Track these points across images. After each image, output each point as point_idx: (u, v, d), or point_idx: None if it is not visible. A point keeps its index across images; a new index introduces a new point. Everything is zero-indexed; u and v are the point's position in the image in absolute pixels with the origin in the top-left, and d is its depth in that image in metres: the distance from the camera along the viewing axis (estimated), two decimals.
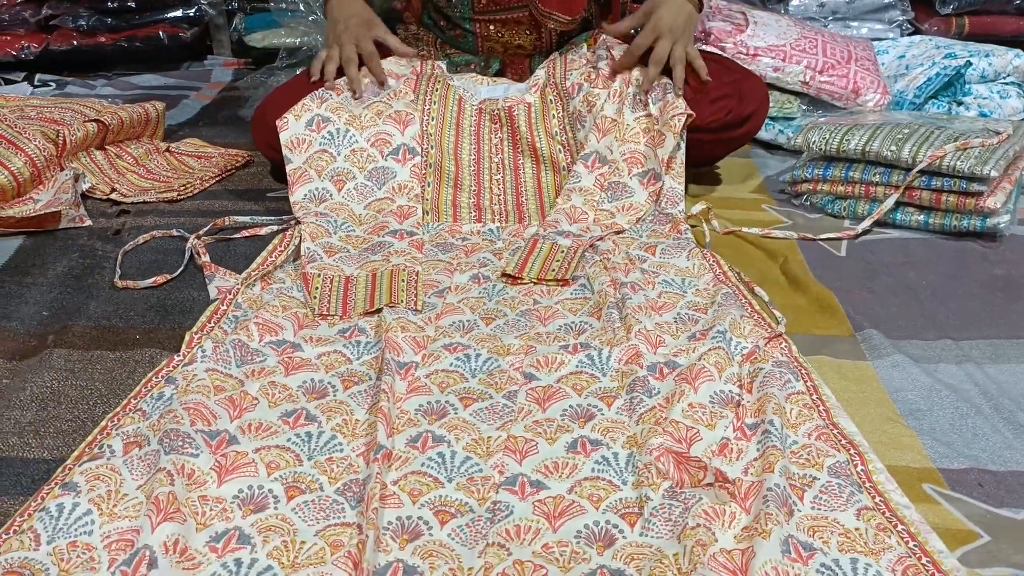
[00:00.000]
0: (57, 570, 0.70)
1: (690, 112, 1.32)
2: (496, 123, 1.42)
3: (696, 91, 1.37)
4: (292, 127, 1.33)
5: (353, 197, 1.30)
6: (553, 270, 1.17)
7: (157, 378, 0.94)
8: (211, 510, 0.77)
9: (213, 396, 0.90)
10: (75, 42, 2.13)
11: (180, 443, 0.81)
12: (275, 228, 1.31)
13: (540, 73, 1.46)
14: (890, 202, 1.31)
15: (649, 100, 1.37)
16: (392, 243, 1.23)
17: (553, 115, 1.43)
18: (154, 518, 0.73)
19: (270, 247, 1.24)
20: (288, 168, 1.32)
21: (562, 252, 1.21)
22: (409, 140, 1.34)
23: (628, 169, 1.34)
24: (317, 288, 1.12)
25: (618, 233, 1.28)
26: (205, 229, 1.28)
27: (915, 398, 0.95)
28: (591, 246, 1.23)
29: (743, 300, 1.10)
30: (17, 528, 0.74)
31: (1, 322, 1.09)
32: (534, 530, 0.75)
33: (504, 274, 1.18)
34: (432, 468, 0.83)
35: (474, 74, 1.48)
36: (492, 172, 1.39)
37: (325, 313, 1.08)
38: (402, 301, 1.08)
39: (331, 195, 1.30)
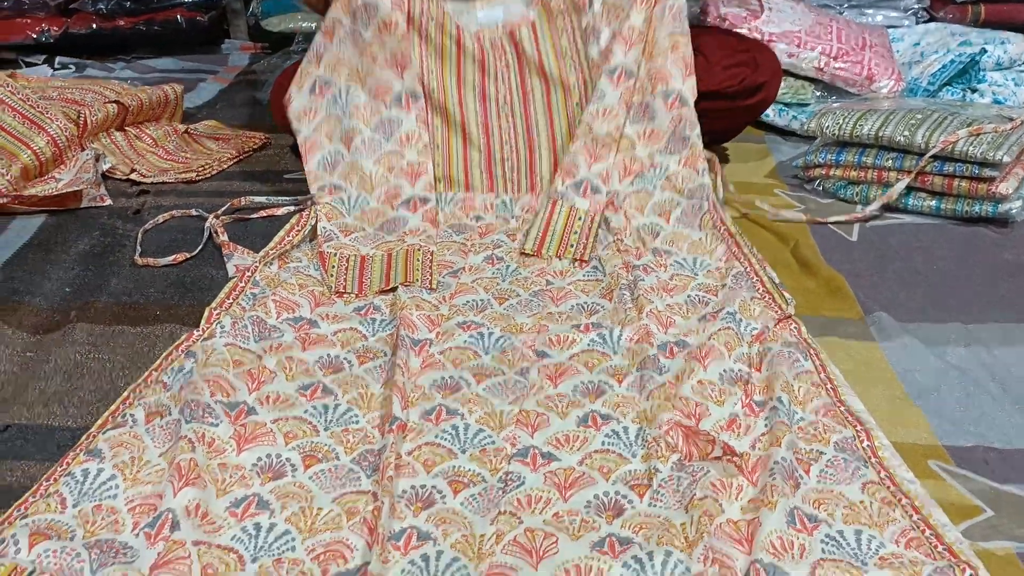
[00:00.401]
0: (83, 532, 0.72)
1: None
2: (499, 52, 1.33)
3: (711, 63, 1.37)
4: (296, 98, 1.32)
5: (362, 153, 1.28)
6: (571, 246, 1.19)
7: (177, 352, 0.96)
8: (230, 477, 0.79)
9: (232, 369, 0.92)
10: (94, 25, 2.15)
11: (200, 413, 0.84)
12: (292, 208, 1.33)
13: None
14: (901, 186, 1.32)
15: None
16: (407, 219, 1.24)
17: (562, 29, 1.34)
18: (176, 483, 0.75)
19: (287, 227, 1.26)
20: (299, 139, 1.32)
21: (579, 221, 1.21)
22: (410, 84, 1.30)
23: (653, 86, 1.29)
24: (334, 267, 1.14)
25: (639, 176, 1.27)
26: (223, 209, 1.30)
27: (923, 378, 0.96)
28: (604, 221, 1.23)
29: (754, 279, 1.11)
30: (44, 492, 0.76)
31: (25, 298, 1.12)
32: (545, 500, 0.77)
33: (522, 252, 1.19)
34: (446, 440, 0.85)
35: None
36: (501, 120, 1.33)
37: (342, 291, 1.10)
38: (417, 280, 1.10)
39: (343, 156, 1.29)
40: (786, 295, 1.08)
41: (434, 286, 1.10)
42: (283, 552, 0.72)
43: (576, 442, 0.84)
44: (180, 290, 1.13)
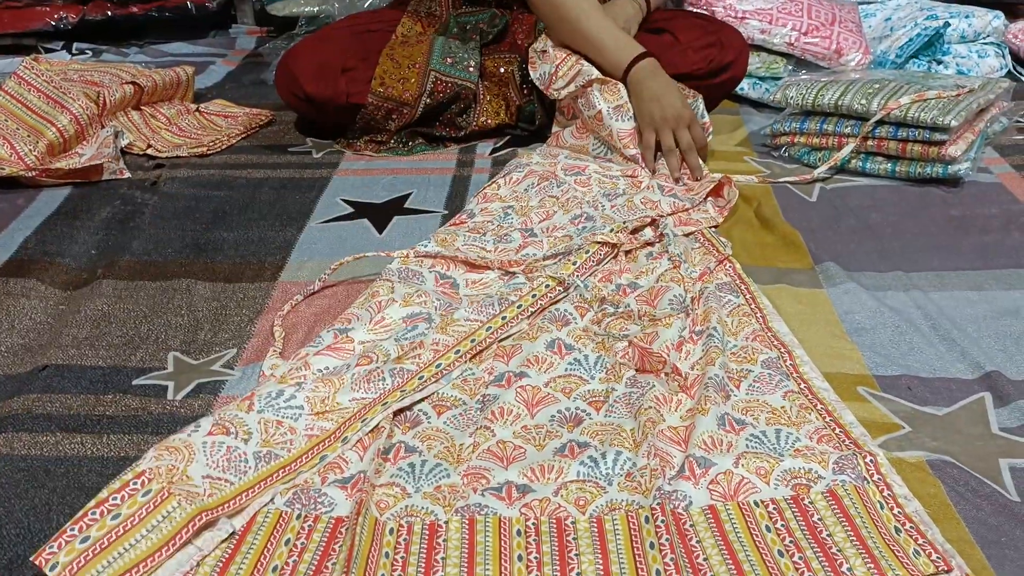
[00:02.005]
0: (260, 439, 0.82)
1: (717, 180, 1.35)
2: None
3: (682, 45, 1.49)
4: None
5: None
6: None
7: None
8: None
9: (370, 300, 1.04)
10: (109, 12, 2.27)
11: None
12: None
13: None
14: (847, 150, 1.42)
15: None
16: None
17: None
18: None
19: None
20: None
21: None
22: None
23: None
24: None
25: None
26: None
27: (861, 319, 1.07)
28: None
29: (695, 234, 1.23)
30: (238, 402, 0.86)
31: (56, 259, 1.23)
32: (515, 414, 0.89)
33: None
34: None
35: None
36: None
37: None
38: None
39: None
40: (722, 239, 1.20)
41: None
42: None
43: (543, 364, 0.96)
44: (195, 250, 1.25)
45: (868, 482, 0.78)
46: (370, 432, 0.86)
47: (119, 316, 1.09)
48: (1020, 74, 1.88)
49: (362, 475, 0.80)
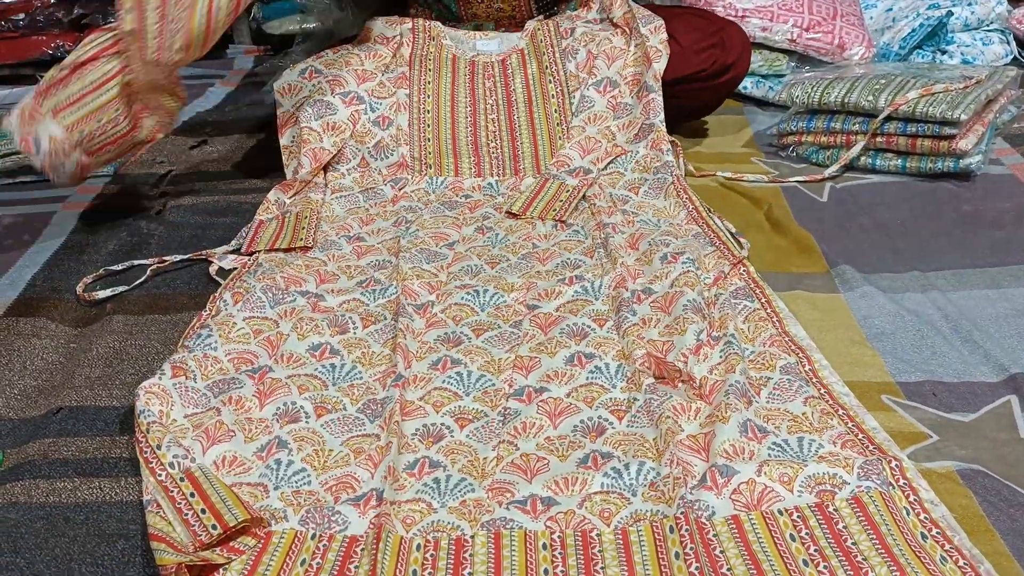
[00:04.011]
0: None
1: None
2: (489, 71, 1.51)
3: (684, 48, 1.48)
4: (285, 76, 1.48)
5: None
6: (554, 210, 1.31)
7: (193, 331, 1.07)
8: (256, 428, 0.91)
9: (253, 340, 1.03)
10: None
11: (226, 387, 0.95)
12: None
13: (531, 23, 1.55)
14: (856, 149, 1.41)
15: (639, 24, 1.48)
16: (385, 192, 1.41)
17: (544, 51, 1.52)
18: (204, 443, 0.87)
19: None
20: (278, 112, 1.47)
21: (567, 192, 1.34)
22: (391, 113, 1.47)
23: (630, 89, 1.46)
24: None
25: (614, 160, 1.42)
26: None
27: (880, 323, 1.06)
28: (585, 191, 1.35)
29: (711, 236, 1.21)
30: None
31: (65, 295, 1.22)
32: (538, 426, 0.89)
33: (509, 213, 1.31)
34: (452, 384, 0.97)
35: (467, 29, 1.57)
36: (487, 115, 1.47)
37: (244, 251, 1.25)
38: (301, 239, 1.25)
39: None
40: (741, 240, 1.19)
41: (313, 243, 1.25)
42: (300, 485, 0.83)
43: (564, 377, 0.96)
44: (203, 280, 1.24)
45: (894, 487, 0.78)
46: (379, 447, 0.87)
47: (131, 353, 1.08)
48: None
49: (373, 492, 0.81)
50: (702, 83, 1.50)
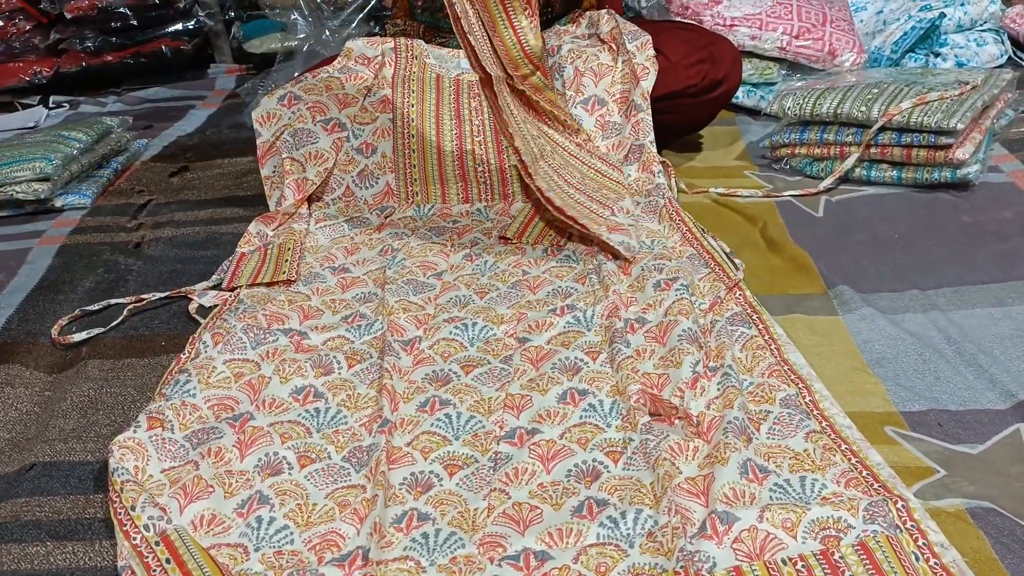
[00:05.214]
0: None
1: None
2: (474, 91, 1.46)
3: (673, 64, 1.44)
4: (264, 104, 1.44)
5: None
6: (550, 235, 1.28)
7: (172, 376, 1.03)
8: (236, 482, 0.87)
9: (235, 384, 0.99)
10: (84, 63, 2.22)
11: (206, 436, 0.91)
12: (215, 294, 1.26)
13: None
14: (850, 161, 1.38)
15: (626, 40, 1.44)
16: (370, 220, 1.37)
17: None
18: (182, 500, 0.83)
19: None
20: (258, 141, 1.43)
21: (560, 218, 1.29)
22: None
23: (618, 108, 1.43)
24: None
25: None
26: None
27: (881, 348, 1.02)
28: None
29: (706, 258, 1.18)
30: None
31: (39, 339, 1.19)
32: (530, 472, 0.86)
33: (502, 237, 1.28)
34: (440, 428, 0.93)
35: (451, 48, 1.52)
36: (474, 138, 1.42)
37: (227, 287, 1.22)
38: (284, 273, 1.22)
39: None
40: (736, 261, 1.17)
41: (297, 276, 1.22)
42: (282, 545, 0.80)
43: (557, 417, 0.92)
44: (182, 319, 1.20)
45: (901, 531, 0.74)
46: (365, 500, 0.83)
47: (107, 402, 1.04)
48: (1021, 59, 1.83)
49: (359, 551, 0.77)
50: (692, 99, 1.46)
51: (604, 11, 1.49)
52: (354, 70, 1.45)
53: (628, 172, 1.39)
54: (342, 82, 1.44)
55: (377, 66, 1.47)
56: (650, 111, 1.40)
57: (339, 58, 1.46)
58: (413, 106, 1.43)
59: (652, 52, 1.42)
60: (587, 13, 1.54)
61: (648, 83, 1.41)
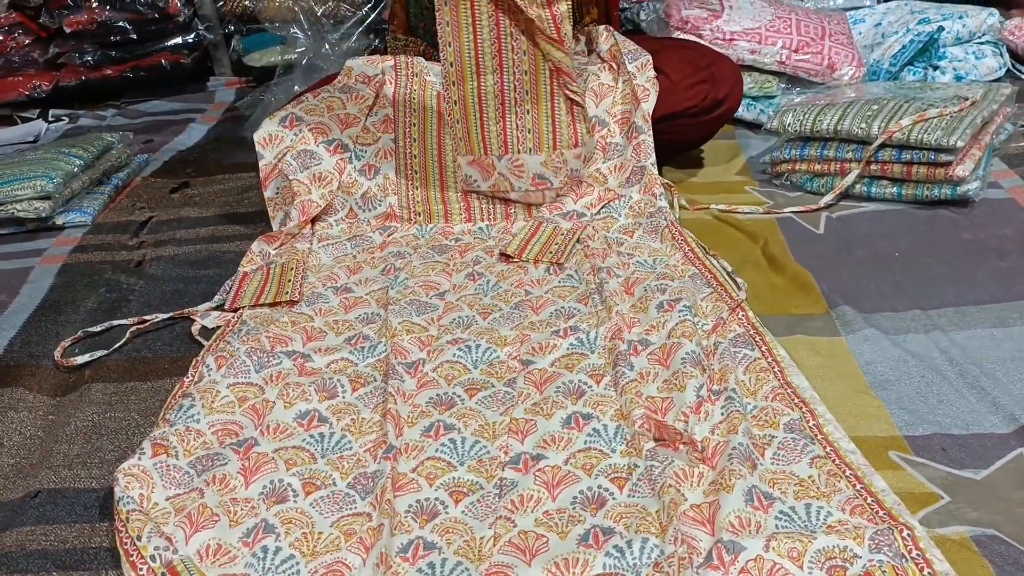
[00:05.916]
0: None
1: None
2: None
3: (674, 84, 1.44)
4: (266, 126, 1.44)
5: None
6: (551, 253, 1.28)
7: (175, 400, 1.03)
8: (241, 509, 0.87)
9: (239, 409, 0.99)
10: (83, 76, 2.22)
11: (210, 463, 0.91)
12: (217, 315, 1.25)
13: None
14: (850, 177, 1.38)
15: (626, 60, 1.44)
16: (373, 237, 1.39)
17: None
18: (187, 530, 0.83)
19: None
20: (260, 164, 1.43)
21: (561, 235, 1.31)
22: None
23: (619, 129, 1.43)
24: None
25: (607, 204, 1.39)
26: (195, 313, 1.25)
27: (884, 369, 1.02)
28: (579, 234, 1.32)
29: (708, 278, 1.19)
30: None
31: (42, 361, 1.19)
32: (536, 499, 0.86)
33: (503, 254, 1.28)
34: (445, 453, 0.93)
35: None
36: None
37: (229, 307, 1.23)
38: (287, 293, 1.23)
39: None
40: (738, 280, 1.17)
41: (300, 297, 1.22)
42: (288, 575, 0.80)
43: (561, 442, 0.93)
44: (184, 341, 1.20)
45: (907, 560, 0.74)
46: (371, 528, 0.83)
47: (110, 427, 1.04)
48: (1020, 72, 1.83)
49: None
50: (692, 119, 1.46)
51: (603, 27, 1.49)
52: (355, 89, 1.45)
53: (630, 195, 1.39)
54: (343, 102, 1.44)
55: (378, 85, 1.47)
56: (651, 132, 1.40)
57: (339, 77, 1.46)
58: (415, 125, 1.43)
59: (653, 73, 1.42)
60: (586, 28, 1.54)
61: (649, 105, 1.41)
